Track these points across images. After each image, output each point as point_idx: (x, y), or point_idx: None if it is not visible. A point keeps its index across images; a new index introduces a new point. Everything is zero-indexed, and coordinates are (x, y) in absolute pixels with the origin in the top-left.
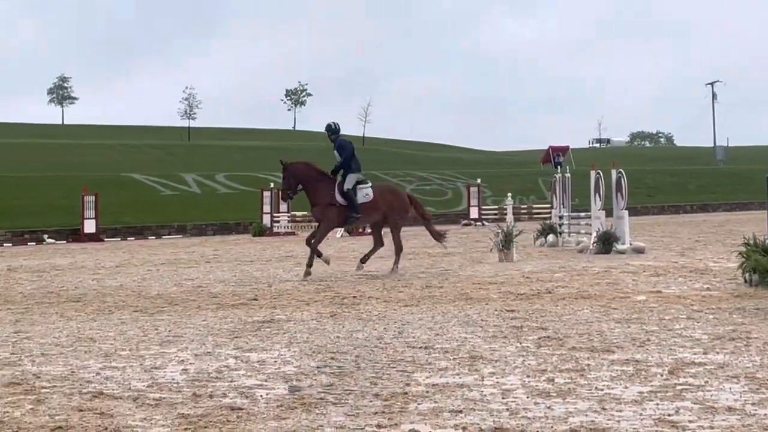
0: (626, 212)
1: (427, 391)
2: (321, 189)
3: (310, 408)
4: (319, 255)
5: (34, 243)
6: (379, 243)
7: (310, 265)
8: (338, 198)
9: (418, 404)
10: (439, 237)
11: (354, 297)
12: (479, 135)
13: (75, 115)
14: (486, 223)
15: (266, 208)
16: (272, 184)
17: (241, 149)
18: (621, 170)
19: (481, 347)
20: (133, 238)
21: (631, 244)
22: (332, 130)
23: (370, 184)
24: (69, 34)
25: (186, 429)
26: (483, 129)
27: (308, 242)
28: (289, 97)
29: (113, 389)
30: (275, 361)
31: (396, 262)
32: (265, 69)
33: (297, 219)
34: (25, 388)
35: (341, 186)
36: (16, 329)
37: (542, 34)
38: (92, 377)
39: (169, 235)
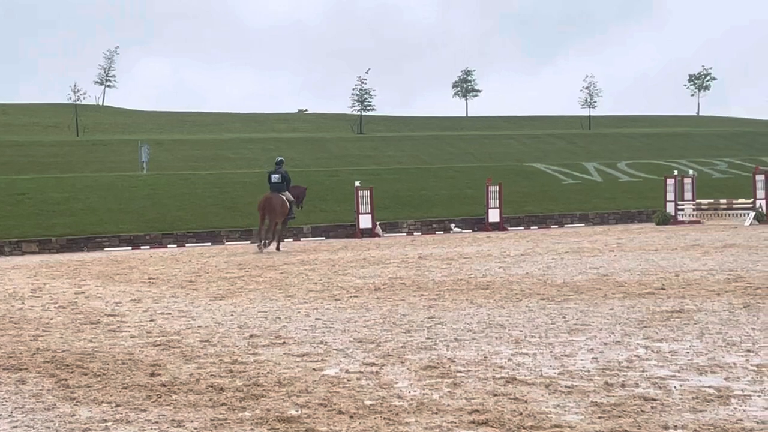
0: None
1: None
2: None
3: (727, 401)
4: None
5: (441, 231)
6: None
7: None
8: None
9: None
10: (275, 238)
11: None
12: None
13: (478, 107)
14: None
15: (670, 196)
16: (676, 172)
17: (643, 137)
18: None
19: None
20: (536, 227)
21: None
22: (276, 162)
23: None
24: (473, 31)
25: (600, 417)
26: None
27: None
28: (692, 83)
29: (525, 375)
30: (687, 353)
31: (277, 245)
32: (664, 55)
33: (702, 207)
34: (441, 372)
35: None
36: (430, 315)
37: None
38: (504, 363)
39: (571, 223)
